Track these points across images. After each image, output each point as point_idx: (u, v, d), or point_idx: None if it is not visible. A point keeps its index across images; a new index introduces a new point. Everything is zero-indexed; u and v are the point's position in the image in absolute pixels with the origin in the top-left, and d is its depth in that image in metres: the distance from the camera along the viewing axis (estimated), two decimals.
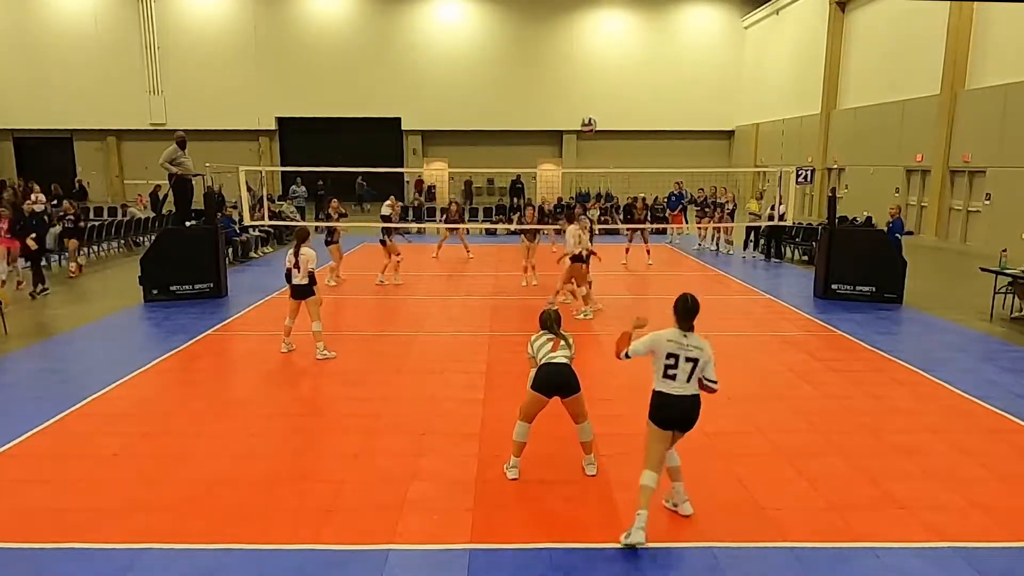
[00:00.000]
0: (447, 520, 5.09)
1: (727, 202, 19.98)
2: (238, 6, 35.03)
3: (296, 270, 8.97)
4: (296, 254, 8.94)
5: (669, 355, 4.87)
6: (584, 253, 11.24)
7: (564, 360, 5.67)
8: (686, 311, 4.90)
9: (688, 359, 4.84)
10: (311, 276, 8.98)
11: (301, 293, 9.09)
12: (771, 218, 17.71)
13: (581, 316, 11.28)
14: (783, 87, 32.02)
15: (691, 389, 4.88)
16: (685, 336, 4.87)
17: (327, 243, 14.09)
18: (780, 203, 16.83)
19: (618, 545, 4.77)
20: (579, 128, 14.51)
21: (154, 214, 21.19)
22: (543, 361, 5.66)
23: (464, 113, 35.45)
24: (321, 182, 26.16)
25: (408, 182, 34.24)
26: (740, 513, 5.23)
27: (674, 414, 4.90)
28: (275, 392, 7.98)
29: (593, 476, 5.80)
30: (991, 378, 8.42)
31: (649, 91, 35.93)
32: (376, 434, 6.66)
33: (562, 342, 5.75)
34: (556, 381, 5.59)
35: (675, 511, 5.22)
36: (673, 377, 4.87)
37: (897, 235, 13.53)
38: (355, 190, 27.65)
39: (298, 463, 6.08)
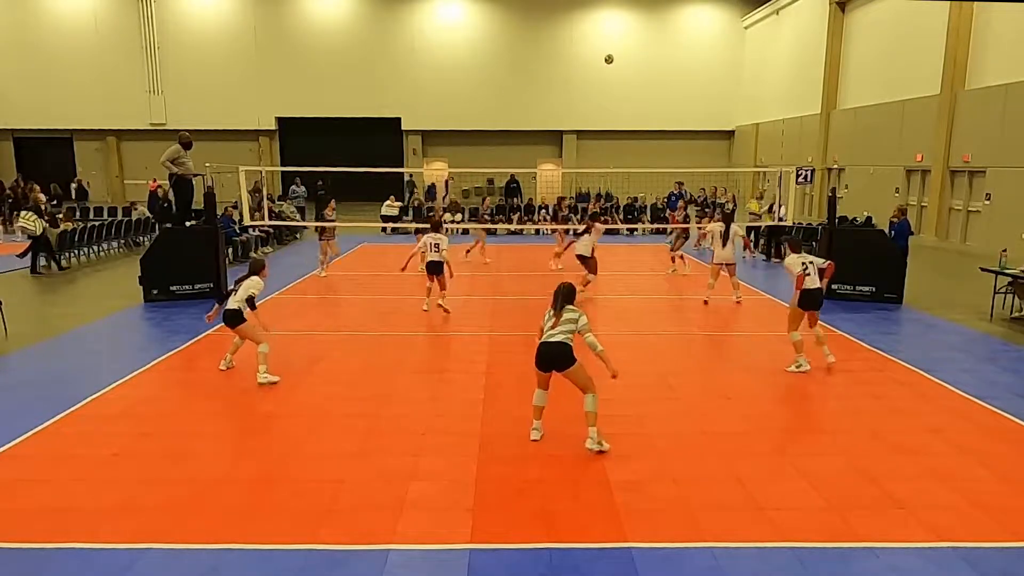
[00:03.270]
0: (447, 520, 5.09)
1: (727, 202, 19.97)
2: (238, 6, 35.04)
3: (234, 294, 8.21)
4: (239, 281, 8.29)
5: (804, 264, 8.57)
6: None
7: (560, 339, 6.18)
8: (799, 243, 9.25)
9: (812, 263, 8.63)
10: (250, 302, 8.08)
11: (230, 319, 8.13)
12: (770, 219, 17.74)
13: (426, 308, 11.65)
14: (783, 87, 32.02)
15: (819, 283, 8.63)
16: (806, 255, 8.76)
17: (320, 238, 15.08)
18: (780, 205, 16.82)
19: (619, 545, 4.78)
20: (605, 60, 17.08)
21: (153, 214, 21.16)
22: (543, 339, 6.26)
23: (464, 113, 35.46)
24: (320, 182, 26.16)
25: (408, 181, 34.22)
26: (740, 513, 5.23)
27: (816, 296, 8.59)
28: (275, 392, 7.97)
29: (602, 452, 6.14)
30: (991, 378, 8.42)
31: (649, 91, 35.94)
32: (376, 434, 6.66)
33: (562, 318, 6.23)
34: (548, 358, 6.23)
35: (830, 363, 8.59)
36: (809, 275, 8.51)
37: (904, 238, 13.46)
38: (403, 188, 27.79)
39: (298, 463, 6.08)
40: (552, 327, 6.24)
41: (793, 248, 9.00)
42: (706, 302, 12.34)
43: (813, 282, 8.53)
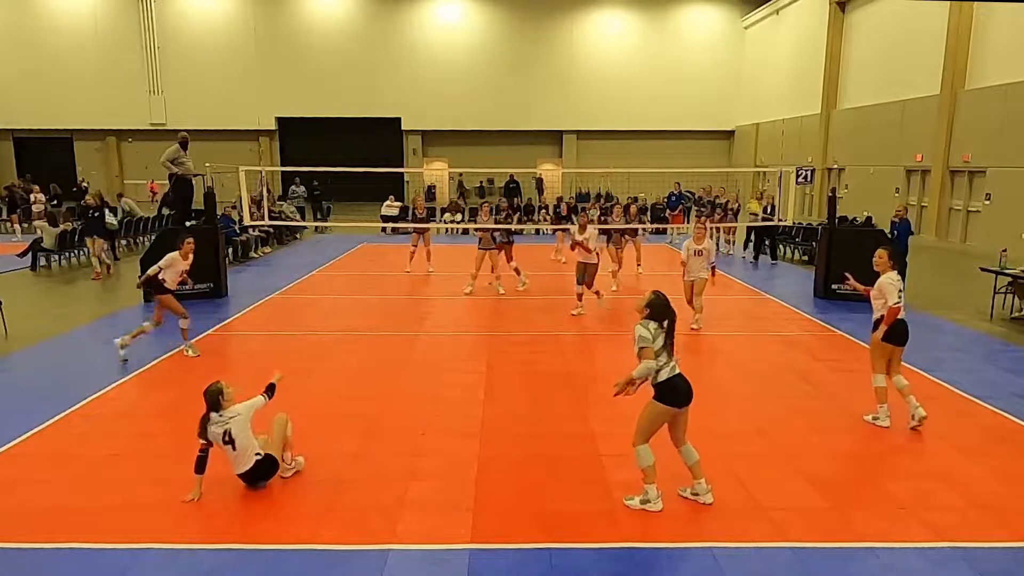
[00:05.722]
0: (447, 520, 5.09)
1: (728, 201, 19.96)
2: (238, 6, 35.05)
3: (231, 447, 5.34)
4: (206, 428, 5.34)
5: (900, 290, 6.76)
6: None
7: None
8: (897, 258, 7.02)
9: (902, 290, 6.84)
10: (267, 462, 5.45)
11: (263, 475, 5.51)
12: (766, 220, 17.71)
13: None
14: (783, 87, 32.03)
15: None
16: (897, 276, 6.83)
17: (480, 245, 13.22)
18: (779, 203, 16.81)
19: (618, 545, 4.78)
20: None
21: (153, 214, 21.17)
22: (674, 373, 5.11)
23: (464, 113, 35.48)
24: (316, 182, 26.14)
25: (408, 182, 34.27)
26: (740, 513, 5.22)
27: (906, 328, 6.81)
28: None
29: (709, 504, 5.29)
30: (991, 378, 8.41)
31: (649, 91, 35.96)
32: (376, 434, 6.66)
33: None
34: (691, 393, 5.19)
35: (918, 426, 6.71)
36: (900, 303, 6.71)
37: (905, 237, 13.47)
38: (403, 188, 27.55)
39: None
40: (671, 355, 5.13)
41: (895, 263, 6.88)
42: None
43: (902, 312, 6.77)
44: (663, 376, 5.07)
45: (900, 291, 6.73)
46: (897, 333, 6.74)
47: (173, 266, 8.90)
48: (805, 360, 9.23)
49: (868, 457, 6.25)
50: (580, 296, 11.51)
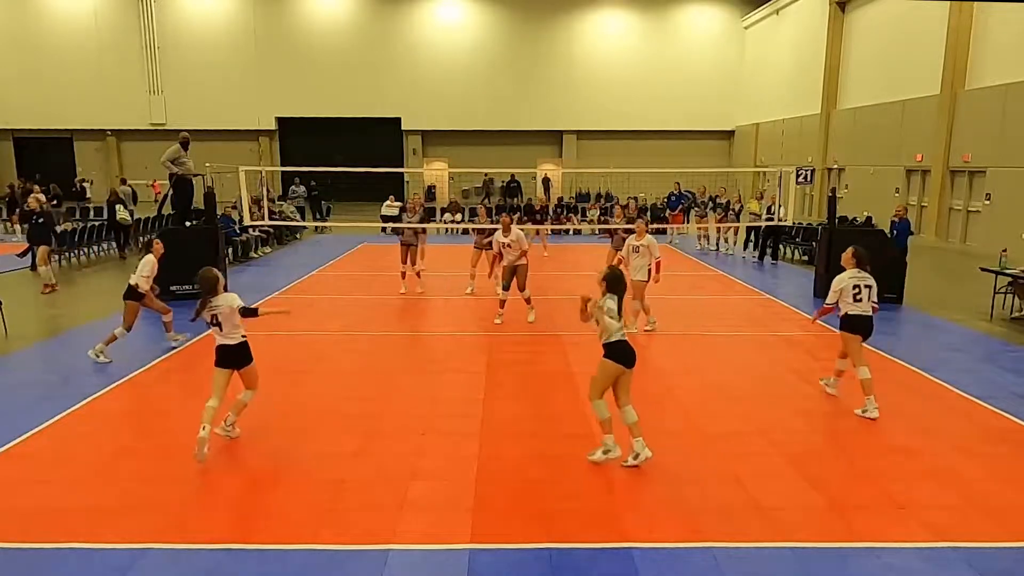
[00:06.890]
0: (447, 520, 5.09)
1: (729, 201, 19.95)
2: (238, 6, 35.06)
3: (219, 329, 6.18)
4: (205, 307, 6.19)
5: (855, 287, 7.03)
6: None
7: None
8: (863, 257, 7.17)
9: (867, 286, 7.06)
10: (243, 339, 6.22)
11: (236, 359, 6.24)
12: (768, 220, 17.69)
13: None
14: (783, 87, 32.03)
15: (869, 309, 7.10)
16: (860, 273, 7.09)
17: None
18: (780, 205, 16.81)
19: (618, 545, 4.78)
20: None
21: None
22: (623, 336, 5.84)
23: (464, 113, 35.50)
24: (314, 182, 26.14)
25: (408, 182, 34.27)
26: (740, 513, 5.22)
27: (866, 324, 7.10)
28: (274, 392, 7.96)
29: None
30: (991, 378, 8.41)
31: (649, 91, 35.97)
32: (376, 434, 6.66)
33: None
34: (635, 356, 5.94)
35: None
36: (860, 300, 7.04)
37: (906, 236, 13.47)
38: (403, 188, 27.43)
39: (298, 463, 6.07)
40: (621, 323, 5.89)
41: (858, 260, 7.18)
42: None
43: (864, 308, 7.07)
44: (616, 337, 5.79)
45: (857, 288, 7.04)
46: (847, 324, 7.16)
47: (152, 268, 9.02)
48: (805, 360, 9.23)
49: (868, 457, 6.24)
50: (503, 303, 10.75)
